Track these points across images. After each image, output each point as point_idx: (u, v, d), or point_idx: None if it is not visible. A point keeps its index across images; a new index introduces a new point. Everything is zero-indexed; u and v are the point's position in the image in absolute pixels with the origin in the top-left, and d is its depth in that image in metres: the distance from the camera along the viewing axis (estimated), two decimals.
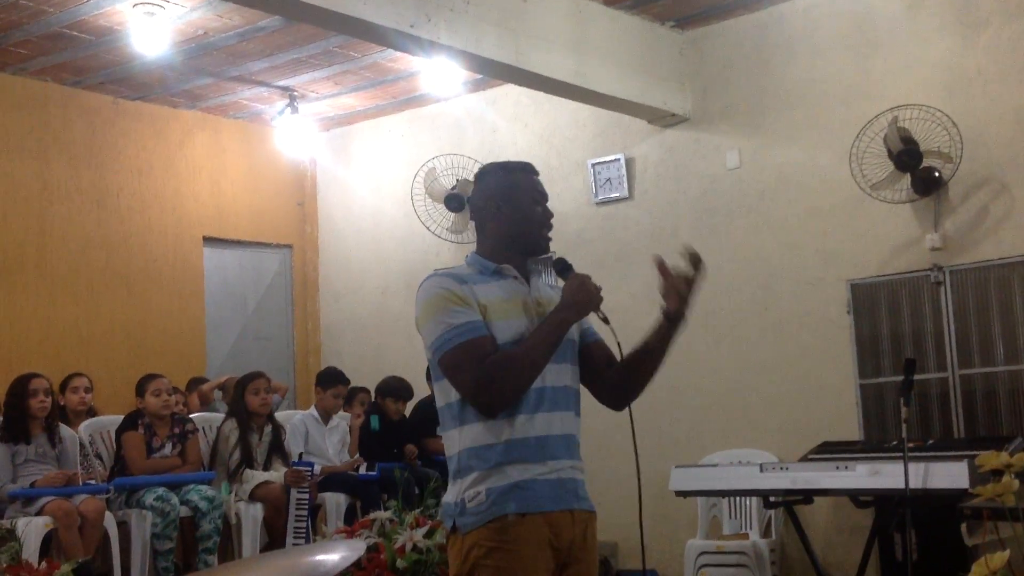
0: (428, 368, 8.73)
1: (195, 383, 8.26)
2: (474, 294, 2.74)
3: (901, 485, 5.09)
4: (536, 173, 2.99)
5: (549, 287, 2.95)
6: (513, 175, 2.94)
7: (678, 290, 2.79)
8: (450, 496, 2.76)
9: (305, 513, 6.70)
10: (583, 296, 2.76)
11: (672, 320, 2.83)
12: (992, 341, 6.59)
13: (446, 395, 2.78)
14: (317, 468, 7.15)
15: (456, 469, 2.75)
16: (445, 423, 2.81)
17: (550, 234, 2.93)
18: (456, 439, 2.76)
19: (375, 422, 7.77)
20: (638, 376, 2.88)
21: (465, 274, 2.82)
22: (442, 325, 2.70)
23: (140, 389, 6.71)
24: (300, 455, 6.99)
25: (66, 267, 8.22)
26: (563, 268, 2.92)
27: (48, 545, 5.82)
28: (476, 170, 9.40)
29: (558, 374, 2.79)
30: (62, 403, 7.05)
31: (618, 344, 2.89)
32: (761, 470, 5.88)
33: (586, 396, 2.94)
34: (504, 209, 2.88)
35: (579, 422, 2.85)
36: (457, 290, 2.74)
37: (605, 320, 2.88)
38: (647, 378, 2.89)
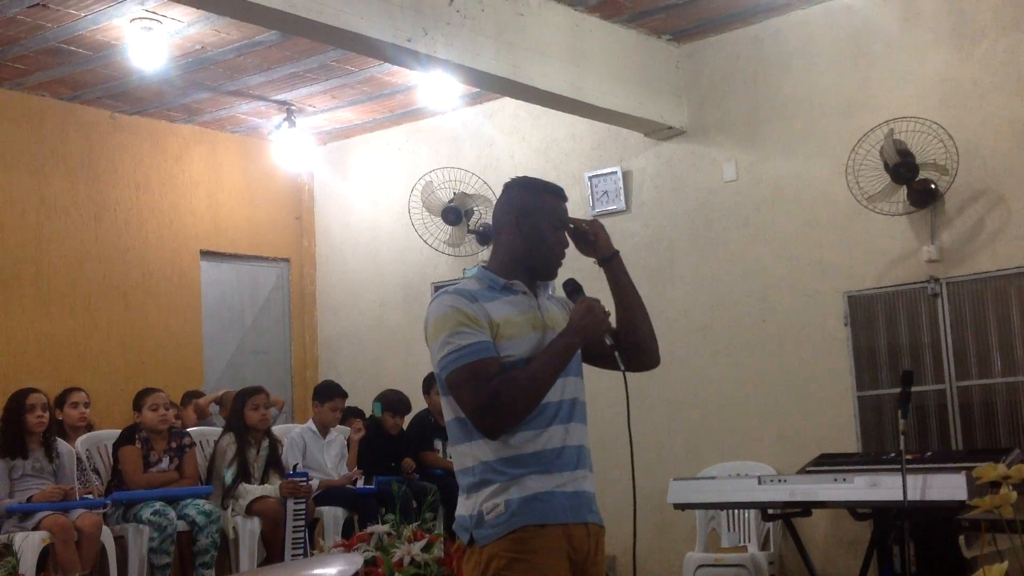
0: (424, 381, 8.65)
1: (190, 397, 8.24)
2: (486, 312, 2.74)
3: (899, 497, 5.09)
4: (564, 199, 2.96)
5: (550, 300, 2.95)
6: (539, 195, 2.93)
7: (589, 237, 2.93)
8: (465, 509, 2.75)
9: (302, 525, 6.69)
10: (590, 321, 2.76)
11: (608, 260, 2.93)
12: (989, 353, 6.60)
13: (456, 409, 2.76)
14: (315, 483, 7.15)
15: (472, 483, 2.74)
16: (456, 437, 2.79)
17: (561, 262, 2.93)
18: (469, 453, 2.75)
19: (378, 408, 7.76)
20: (637, 330, 2.92)
21: (475, 290, 2.80)
22: (449, 345, 2.69)
23: (137, 403, 6.70)
24: (295, 467, 6.98)
25: (63, 281, 8.22)
26: (573, 290, 2.91)
27: (45, 560, 5.80)
28: (474, 183, 9.42)
29: (570, 387, 2.81)
30: (60, 418, 7.04)
31: (623, 373, 2.86)
32: (759, 482, 5.88)
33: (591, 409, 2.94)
34: (522, 226, 2.87)
35: (588, 433, 2.88)
36: (467, 309, 2.73)
37: (613, 347, 2.87)
38: (645, 326, 2.93)
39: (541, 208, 2.89)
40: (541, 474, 2.69)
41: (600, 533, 2.82)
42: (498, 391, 2.65)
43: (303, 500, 6.71)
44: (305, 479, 6.77)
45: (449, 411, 2.79)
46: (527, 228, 2.87)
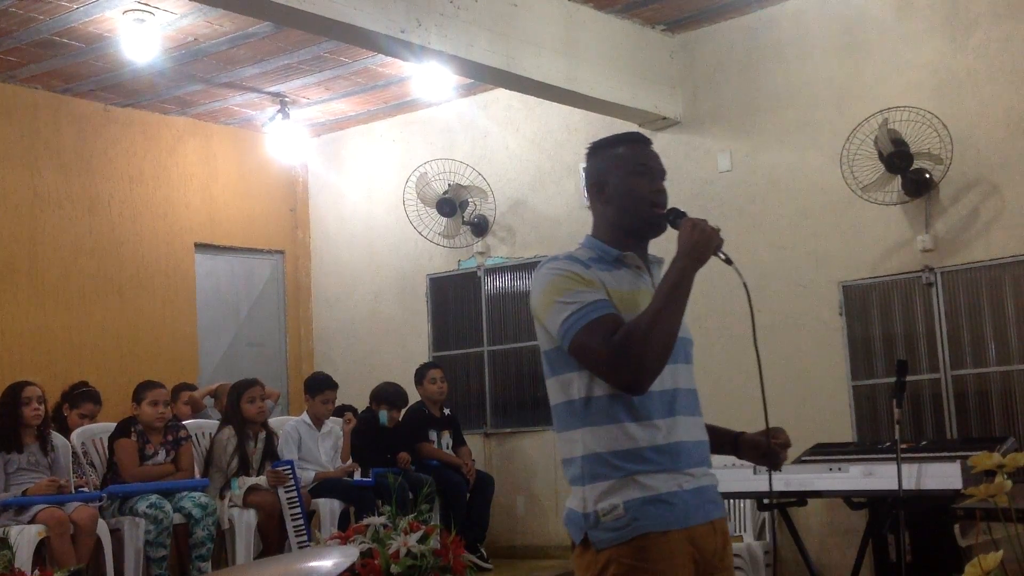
0: (416, 372, 8.58)
1: (180, 390, 8.15)
2: (600, 279, 2.52)
3: (894, 486, 5.10)
4: (644, 142, 2.70)
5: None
6: (613, 149, 2.67)
7: (775, 454, 2.74)
8: (576, 504, 2.51)
9: (299, 512, 6.71)
10: (699, 238, 2.50)
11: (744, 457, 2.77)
12: (984, 342, 6.61)
13: (566, 391, 2.53)
14: (311, 475, 7.17)
15: (579, 475, 2.50)
16: (564, 422, 2.55)
17: (663, 209, 2.63)
18: (579, 441, 2.50)
19: (383, 417, 7.76)
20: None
21: (586, 258, 2.58)
22: (570, 306, 2.45)
23: (137, 396, 6.68)
24: (277, 457, 6.99)
25: (57, 275, 8.20)
26: (675, 216, 2.61)
27: (41, 553, 5.80)
28: (468, 174, 9.40)
29: (685, 375, 2.59)
30: (66, 414, 7.05)
31: (744, 285, 2.65)
32: (755, 472, 5.87)
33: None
34: (605, 191, 2.64)
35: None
36: (582, 272, 2.51)
37: (728, 261, 2.60)
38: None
39: (615, 162, 2.65)
40: (661, 472, 2.46)
41: (724, 524, 2.62)
42: (627, 338, 2.39)
43: (292, 488, 6.73)
44: (290, 468, 6.79)
45: (559, 393, 2.55)
46: (610, 191, 2.63)
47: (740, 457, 2.78)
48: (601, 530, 2.45)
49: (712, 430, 2.71)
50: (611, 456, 2.46)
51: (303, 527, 6.69)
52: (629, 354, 2.39)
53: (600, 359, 2.42)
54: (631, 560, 2.43)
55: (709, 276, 2.59)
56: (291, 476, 6.76)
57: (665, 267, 2.59)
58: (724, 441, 2.77)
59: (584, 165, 2.74)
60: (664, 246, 2.66)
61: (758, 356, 2.64)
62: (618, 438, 2.47)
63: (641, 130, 7.84)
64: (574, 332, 2.44)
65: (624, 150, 2.67)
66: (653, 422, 2.48)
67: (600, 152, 2.70)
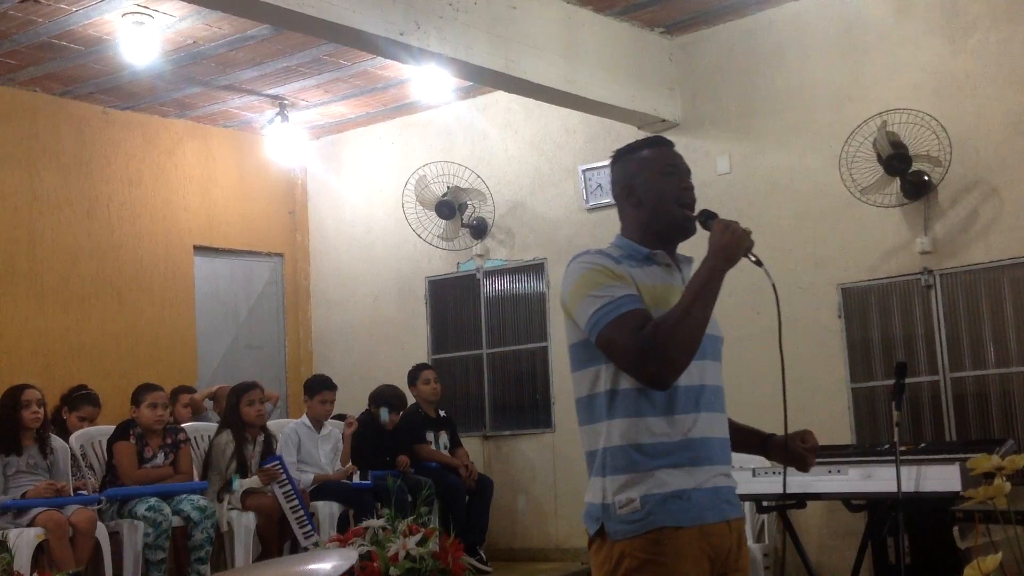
0: (409, 374, 8.54)
1: (179, 392, 8.13)
2: (630, 274, 2.56)
3: (893, 488, 5.10)
4: (668, 144, 2.75)
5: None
6: (638, 152, 2.72)
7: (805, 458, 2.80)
8: (594, 496, 2.55)
9: (298, 504, 6.71)
10: (729, 239, 2.54)
11: (775, 457, 2.83)
12: (983, 344, 6.61)
13: (593, 384, 2.57)
14: (309, 477, 7.16)
15: (600, 465, 2.53)
16: (588, 415, 2.58)
17: (692, 210, 2.67)
18: (603, 433, 2.53)
19: (384, 414, 7.76)
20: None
21: (616, 254, 2.62)
22: (599, 300, 2.49)
23: (136, 399, 6.68)
24: (265, 457, 7.00)
25: (56, 277, 8.19)
26: (707, 218, 2.65)
27: (40, 556, 5.80)
28: (467, 177, 9.39)
29: (713, 372, 2.65)
30: (65, 416, 7.04)
31: (773, 286, 2.69)
32: (754, 475, 5.88)
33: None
34: (635, 194, 2.68)
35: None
36: (613, 267, 2.55)
37: (758, 263, 2.64)
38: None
39: (642, 165, 2.70)
40: (678, 467, 2.50)
41: (741, 525, 2.67)
42: (653, 334, 2.43)
43: (286, 482, 6.73)
44: (278, 462, 6.79)
45: (585, 386, 2.59)
46: (640, 193, 2.67)
47: (768, 458, 2.84)
48: (616, 522, 2.49)
49: (741, 429, 2.79)
50: (633, 450, 2.50)
51: (305, 519, 6.68)
52: (656, 349, 2.43)
53: (627, 353, 2.46)
54: (644, 554, 2.46)
55: None
56: (282, 472, 6.76)
57: (695, 266, 2.62)
58: (753, 442, 2.85)
59: (611, 173, 2.80)
60: (693, 248, 2.69)
61: (782, 357, 2.76)
62: (641, 432, 2.50)
63: (640, 132, 7.88)
64: (602, 325, 2.48)
65: (649, 152, 2.72)
66: (677, 417, 2.52)
67: (625, 157, 2.76)
